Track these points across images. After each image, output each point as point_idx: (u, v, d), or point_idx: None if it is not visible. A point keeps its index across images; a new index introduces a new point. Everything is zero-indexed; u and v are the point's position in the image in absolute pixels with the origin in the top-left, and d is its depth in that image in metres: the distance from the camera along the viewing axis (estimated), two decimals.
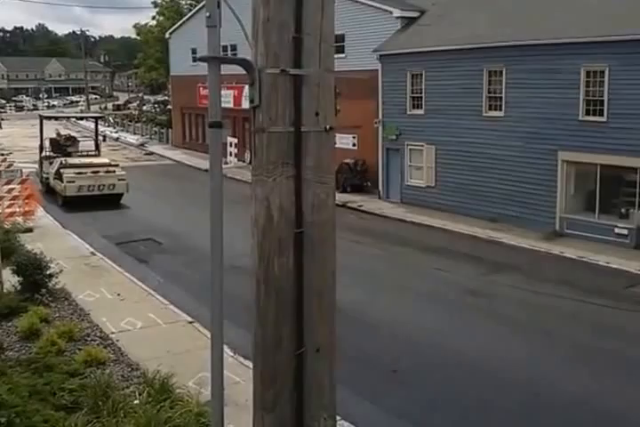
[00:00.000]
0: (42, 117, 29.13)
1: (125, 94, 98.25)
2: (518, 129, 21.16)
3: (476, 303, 14.30)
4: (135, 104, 71.69)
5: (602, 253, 17.91)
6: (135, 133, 54.54)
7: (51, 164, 26.10)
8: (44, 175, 26.86)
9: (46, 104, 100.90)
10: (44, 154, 27.22)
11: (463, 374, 10.51)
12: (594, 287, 15.35)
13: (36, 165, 28.28)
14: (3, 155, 28.29)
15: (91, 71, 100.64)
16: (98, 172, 24.47)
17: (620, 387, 10.12)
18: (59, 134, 29.44)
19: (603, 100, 18.86)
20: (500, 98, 21.93)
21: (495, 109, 22.18)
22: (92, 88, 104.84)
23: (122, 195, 24.94)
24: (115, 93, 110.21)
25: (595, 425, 9.07)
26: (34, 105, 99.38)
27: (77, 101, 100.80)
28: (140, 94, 77.47)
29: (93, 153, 27.94)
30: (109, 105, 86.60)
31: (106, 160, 26.41)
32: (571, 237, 19.61)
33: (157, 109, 57.52)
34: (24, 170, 23.26)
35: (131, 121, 58.90)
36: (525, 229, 20.44)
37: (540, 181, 20.67)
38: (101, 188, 24.38)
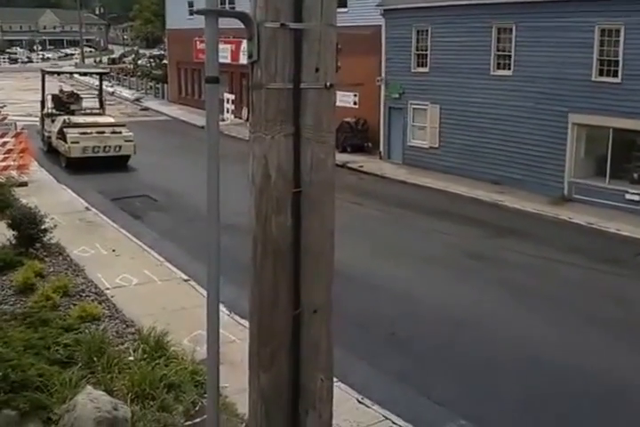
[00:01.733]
0: (44, 72, 27.89)
1: (120, 48, 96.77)
2: (527, 89, 20.61)
3: (477, 267, 14.20)
4: (130, 58, 70.59)
5: (612, 220, 17.57)
6: (130, 88, 53.88)
7: (53, 122, 24.93)
8: (46, 134, 25.74)
9: (40, 57, 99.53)
10: (45, 111, 26.01)
11: (463, 337, 10.53)
12: (602, 254, 15.15)
13: (37, 122, 27.26)
14: None
15: (86, 23, 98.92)
16: (103, 132, 23.28)
17: (622, 353, 10.13)
18: (61, 91, 28.09)
19: (617, 61, 18.34)
20: (509, 56, 21.32)
21: (504, 68, 21.60)
22: (87, 41, 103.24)
23: (129, 157, 23.80)
24: (110, 47, 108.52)
25: (596, 391, 9.09)
26: (28, 57, 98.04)
27: (72, 54, 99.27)
28: (136, 48, 76.18)
29: (98, 111, 26.68)
30: (104, 58, 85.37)
31: (111, 119, 25.28)
32: (579, 203, 19.25)
33: (153, 64, 56.61)
34: (18, 123, 23.09)
35: (126, 75, 58.12)
36: (531, 192, 20.11)
37: (549, 143, 20.24)
38: (107, 149, 23.17)
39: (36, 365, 7.87)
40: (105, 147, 23.07)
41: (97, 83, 48.28)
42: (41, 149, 25.70)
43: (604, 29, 18.52)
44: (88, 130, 23.10)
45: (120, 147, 23.29)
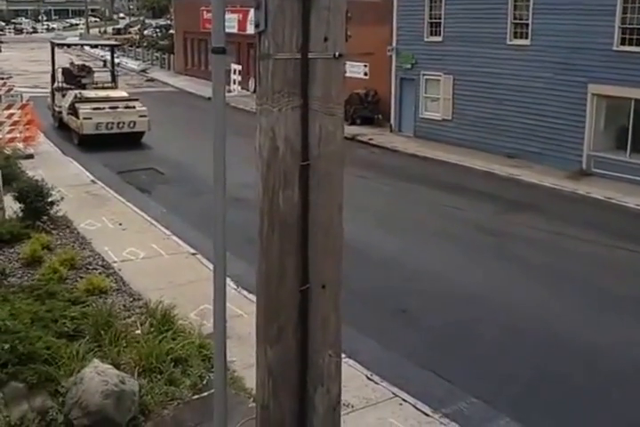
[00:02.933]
0: (53, 44, 26.70)
1: (126, 17, 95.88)
2: (545, 59, 19.94)
3: (490, 243, 13.92)
4: (136, 28, 69.97)
5: (632, 195, 17.04)
6: (136, 59, 53.47)
7: (63, 96, 23.83)
8: (57, 109, 24.53)
9: (45, 27, 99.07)
10: (55, 85, 24.84)
11: (475, 315, 10.38)
12: (621, 231, 14.75)
13: (44, 94, 26.50)
14: (2, 79, 27.42)
15: None
16: (116, 107, 22.22)
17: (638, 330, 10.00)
18: (72, 64, 27.09)
19: None
20: (527, 25, 20.60)
21: (521, 37, 20.89)
22: (92, 11, 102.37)
23: (143, 133, 22.72)
24: (115, 16, 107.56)
25: (613, 369, 9.00)
26: (33, 28, 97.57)
27: (77, 24, 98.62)
28: (142, 18, 75.41)
29: (110, 85, 25.33)
30: (109, 28, 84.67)
31: (124, 93, 24.14)
32: (598, 177, 18.68)
33: (159, 34, 56.09)
34: (24, 95, 22.96)
35: (131, 46, 57.67)
36: (548, 166, 19.56)
37: (567, 115, 19.56)
38: (121, 125, 22.11)
39: (44, 337, 7.90)
40: (119, 123, 22.12)
41: (103, 53, 48.09)
42: (51, 125, 25.14)
43: None
44: (101, 105, 22.17)
45: (134, 123, 22.31)
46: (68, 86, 24.29)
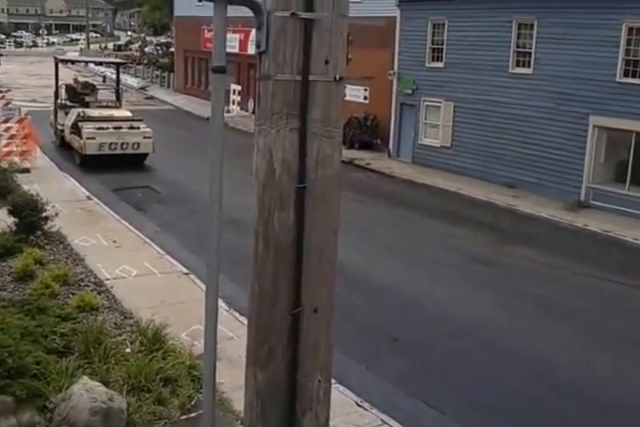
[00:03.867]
0: (57, 60, 25.82)
1: (128, 33, 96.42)
2: (547, 89, 19.93)
3: (485, 273, 13.81)
4: (137, 45, 70.42)
5: (630, 229, 16.95)
6: (136, 76, 53.70)
7: (66, 114, 23.30)
8: (59, 127, 24.02)
9: (46, 41, 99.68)
10: (58, 102, 24.28)
11: (466, 345, 10.33)
12: (618, 265, 14.63)
13: (45, 109, 25.93)
14: (1, 92, 27.49)
15: (92, 8, 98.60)
16: (120, 127, 21.65)
17: (633, 367, 9.94)
18: (76, 81, 26.39)
19: None
20: (530, 53, 20.62)
21: (523, 66, 20.90)
22: (93, 26, 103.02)
23: (147, 155, 22.16)
24: (116, 33, 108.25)
25: (599, 403, 8.98)
26: (33, 41, 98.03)
27: (77, 39, 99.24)
28: (143, 35, 75.97)
29: (114, 104, 24.92)
30: (110, 45, 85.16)
31: (128, 113, 23.48)
32: (596, 209, 18.57)
33: (160, 52, 56.41)
34: (22, 108, 22.98)
35: (132, 63, 58.02)
36: (546, 197, 19.48)
37: (568, 146, 19.50)
38: (125, 146, 21.49)
39: (34, 352, 7.86)
40: (122, 144, 21.49)
41: (103, 69, 48.20)
42: (49, 140, 24.93)
43: (632, 28, 17.81)
44: (104, 125, 21.59)
45: (138, 144, 21.74)
46: (72, 104, 23.91)
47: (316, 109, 3.18)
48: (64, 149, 23.59)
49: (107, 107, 24.29)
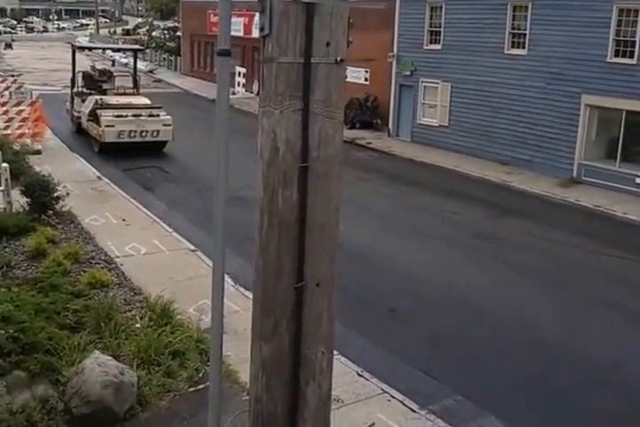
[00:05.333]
0: (74, 47, 25.50)
1: (135, 19, 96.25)
2: (541, 69, 20.36)
3: (483, 246, 14.18)
4: (144, 29, 70.20)
5: (620, 204, 17.41)
6: (144, 60, 53.56)
7: (83, 101, 22.91)
8: (76, 114, 23.65)
9: (56, 26, 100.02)
10: (75, 89, 23.85)
11: (464, 315, 10.57)
12: (607, 238, 15.11)
13: (61, 94, 25.45)
14: (13, 76, 27.57)
15: None
16: (140, 115, 21.22)
17: (623, 337, 10.15)
18: (93, 68, 25.92)
19: (634, 41, 18.02)
20: (524, 35, 21.02)
21: (518, 47, 21.32)
22: (102, 11, 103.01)
23: (166, 143, 21.67)
24: (124, 18, 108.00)
25: (590, 372, 9.18)
26: (44, 27, 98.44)
27: (87, 25, 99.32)
28: (150, 19, 75.62)
29: (131, 91, 24.31)
30: (118, 29, 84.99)
31: (147, 100, 22.85)
32: (588, 185, 19.12)
33: (167, 36, 56.30)
34: (34, 92, 23.11)
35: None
36: (540, 174, 20.03)
37: (560, 125, 20.03)
38: (144, 134, 21.04)
39: (47, 328, 8.05)
40: (142, 131, 21.04)
41: (112, 54, 47.84)
42: (60, 122, 24.83)
43: (623, 9, 18.20)
44: (123, 112, 21.15)
45: (158, 132, 21.27)
46: (89, 91, 23.48)
47: (318, 91, 3.26)
48: (75, 132, 23.68)
49: (124, 94, 23.82)
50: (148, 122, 21.22)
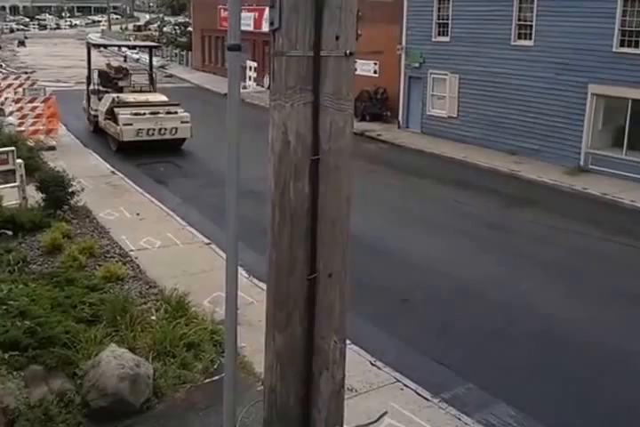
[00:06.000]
0: (90, 45, 25.03)
1: (146, 15, 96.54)
2: (547, 59, 20.49)
3: (493, 236, 14.21)
4: (156, 25, 70.41)
5: (627, 191, 17.46)
6: (155, 55, 53.67)
7: (100, 100, 22.46)
8: (92, 112, 23.19)
9: (68, 23, 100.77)
10: (91, 87, 23.32)
11: (475, 304, 10.59)
12: (616, 226, 15.11)
13: (83, 100, 24.66)
14: (26, 73, 27.71)
15: None
16: (158, 112, 20.79)
17: (634, 325, 10.13)
18: (109, 66, 25.64)
19: (639, 31, 18.11)
20: (531, 26, 21.14)
21: (524, 38, 21.43)
22: (114, 8, 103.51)
23: (184, 140, 21.36)
24: (135, 14, 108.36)
25: (602, 360, 9.18)
26: (56, 24, 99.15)
27: (99, 21, 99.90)
28: (161, 15, 75.79)
29: (148, 89, 23.82)
30: (130, 25, 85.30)
31: (164, 98, 22.38)
32: (595, 174, 19.21)
33: (178, 31, 56.47)
34: (47, 89, 23.25)
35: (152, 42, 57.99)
36: (547, 163, 20.12)
37: (567, 114, 20.15)
38: (162, 132, 20.65)
39: (63, 322, 8.12)
40: (160, 129, 20.62)
41: (123, 49, 47.87)
42: (75, 119, 24.78)
43: None
44: (141, 110, 20.72)
45: (176, 129, 20.84)
46: (105, 89, 23.02)
47: (328, 84, 3.30)
48: (89, 127, 23.69)
49: (140, 91, 23.42)
50: (166, 119, 20.85)
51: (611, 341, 9.56)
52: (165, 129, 20.76)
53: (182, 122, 21.00)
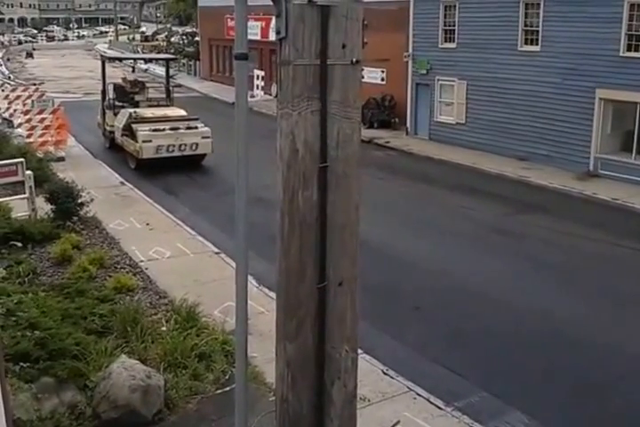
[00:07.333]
0: (104, 58, 24.52)
1: (153, 25, 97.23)
2: (555, 65, 20.55)
3: (502, 242, 14.24)
4: (163, 35, 70.87)
5: (637, 196, 17.45)
6: (163, 65, 53.90)
7: (115, 115, 21.74)
8: (108, 128, 22.48)
9: (76, 34, 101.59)
10: (106, 102, 22.77)
11: (487, 311, 10.57)
12: (626, 231, 15.08)
13: (97, 115, 24.18)
14: (35, 84, 27.89)
15: (120, 1, 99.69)
16: (178, 128, 20.04)
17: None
18: (124, 79, 24.96)
19: None
20: (537, 32, 21.25)
21: (531, 44, 21.53)
22: (121, 19, 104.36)
23: (204, 156, 20.59)
24: (143, 24, 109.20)
25: (614, 365, 9.13)
26: (64, 35, 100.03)
27: (106, 32, 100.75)
28: (169, 25, 76.33)
29: (165, 103, 23.23)
30: (137, 36, 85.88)
31: (183, 112, 21.58)
32: (605, 179, 19.21)
33: (185, 41, 56.80)
34: (56, 100, 23.40)
35: (159, 53, 58.31)
36: (557, 168, 20.12)
37: (575, 119, 20.19)
38: (183, 148, 19.93)
39: (74, 334, 8.12)
40: (180, 145, 19.90)
41: (132, 61, 48.03)
42: (83, 129, 24.87)
43: (634, 4, 18.29)
44: (160, 126, 19.95)
45: (197, 145, 20.13)
46: (121, 104, 22.23)
47: (335, 92, 3.29)
48: (98, 138, 23.56)
49: (158, 105, 22.72)
50: (187, 135, 20.13)
51: (629, 346, 9.49)
52: (185, 145, 20.06)
53: (203, 137, 20.29)
